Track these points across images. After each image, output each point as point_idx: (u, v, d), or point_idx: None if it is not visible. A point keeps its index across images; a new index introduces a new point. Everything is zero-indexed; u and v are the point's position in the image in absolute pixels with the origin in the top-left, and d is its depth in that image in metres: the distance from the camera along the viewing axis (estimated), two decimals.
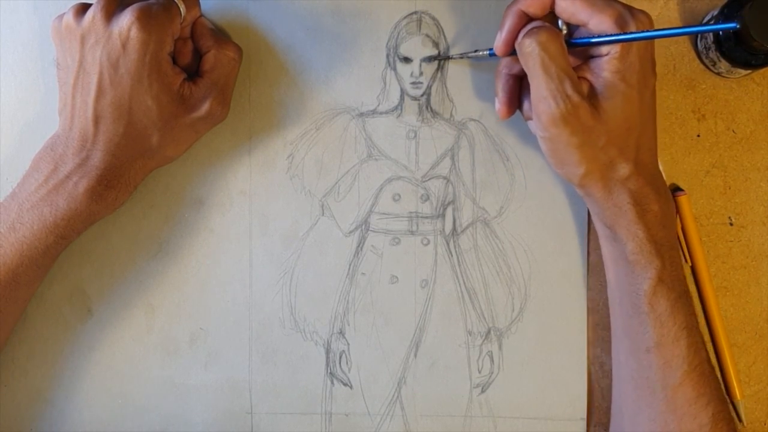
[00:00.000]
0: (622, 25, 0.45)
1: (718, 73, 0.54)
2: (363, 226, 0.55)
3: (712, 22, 0.52)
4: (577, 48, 0.47)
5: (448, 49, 0.55)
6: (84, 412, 0.55)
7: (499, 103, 0.51)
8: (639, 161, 0.47)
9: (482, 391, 0.55)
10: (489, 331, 0.55)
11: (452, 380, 0.55)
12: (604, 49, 0.46)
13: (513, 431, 0.54)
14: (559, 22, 0.48)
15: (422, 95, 0.55)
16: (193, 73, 0.51)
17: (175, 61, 0.50)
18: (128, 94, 0.47)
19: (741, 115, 0.55)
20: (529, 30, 0.46)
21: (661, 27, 0.54)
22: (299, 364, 0.55)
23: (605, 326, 0.54)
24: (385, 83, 0.55)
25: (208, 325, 0.55)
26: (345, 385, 0.55)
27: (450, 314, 0.55)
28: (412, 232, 0.55)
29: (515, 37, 0.47)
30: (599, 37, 0.45)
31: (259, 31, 0.55)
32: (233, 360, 0.55)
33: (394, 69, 0.55)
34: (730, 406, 0.52)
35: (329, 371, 0.55)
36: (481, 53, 0.52)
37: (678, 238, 0.52)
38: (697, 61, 0.55)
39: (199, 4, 0.51)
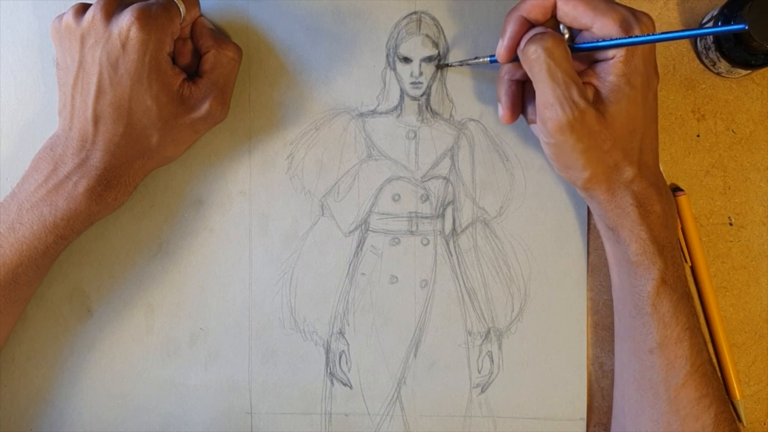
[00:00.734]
0: (626, 28, 0.45)
1: (718, 73, 0.54)
2: (363, 226, 0.55)
3: (711, 23, 0.52)
4: (581, 52, 0.47)
5: (447, 49, 0.55)
6: (84, 412, 0.55)
7: (503, 109, 0.51)
8: (642, 163, 0.47)
9: (482, 391, 0.55)
10: (489, 331, 0.55)
11: (452, 380, 0.55)
12: (609, 53, 0.45)
13: (513, 431, 0.54)
14: (561, 27, 0.48)
15: (422, 95, 0.55)
16: (193, 73, 0.51)
17: (174, 62, 0.50)
18: (128, 95, 0.47)
19: (741, 115, 0.55)
20: (533, 36, 0.46)
21: (660, 27, 0.54)
22: (299, 364, 0.55)
23: (605, 326, 0.54)
24: (384, 83, 0.55)
25: (208, 326, 0.55)
26: (345, 385, 0.55)
27: (450, 314, 0.55)
28: (411, 232, 0.55)
29: (517, 44, 0.47)
30: (605, 41, 0.45)
31: (259, 31, 0.55)
32: (233, 360, 0.55)
33: (394, 69, 0.55)
34: (731, 406, 0.52)
35: (329, 371, 0.55)
36: (481, 60, 0.52)
37: (678, 238, 0.52)
38: (697, 61, 0.55)
39: (198, 4, 0.51)
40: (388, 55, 0.55)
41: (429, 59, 0.55)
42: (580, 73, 0.47)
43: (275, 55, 0.55)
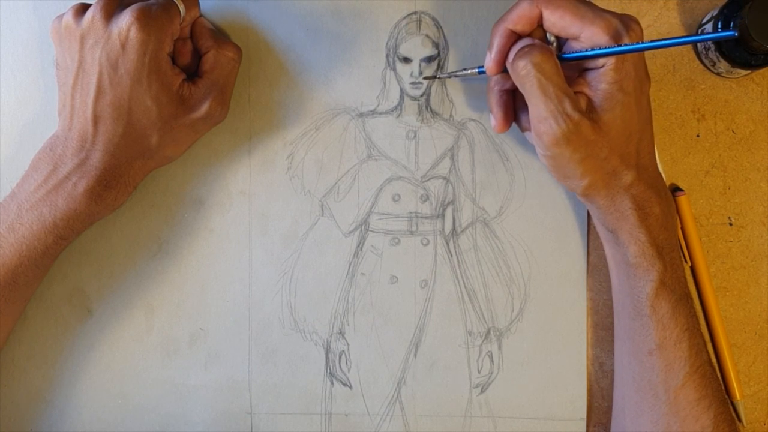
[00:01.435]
0: (615, 36, 0.44)
1: (718, 74, 0.54)
2: (363, 227, 0.55)
3: (711, 23, 0.52)
4: (570, 62, 0.46)
5: (447, 49, 0.55)
6: (84, 412, 0.55)
7: (495, 119, 0.50)
8: (640, 166, 0.47)
9: (482, 391, 0.55)
10: (489, 332, 0.55)
11: (452, 380, 0.55)
12: (599, 61, 0.45)
13: (513, 431, 0.54)
14: (548, 36, 0.47)
15: (422, 95, 0.55)
16: (193, 73, 0.51)
17: (174, 62, 0.50)
18: (127, 95, 0.47)
19: (741, 115, 0.55)
20: (521, 50, 0.45)
21: (660, 27, 0.54)
22: (299, 365, 0.55)
23: (605, 326, 0.54)
24: (384, 83, 0.55)
25: (208, 326, 0.55)
26: (345, 385, 0.55)
27: (450, 314, 0.55)
28: (411, 233, 0.55)
29: (505, 57, 0.47)
30: (594, 50, 0.44)
31: (258, 31, 0.55)
32: (233, 360, 0.55)
33: (394, 69, 0.55)
34: (730, 407, 0.52)
35: (329, 371, 0.55)
36: (470, 71, 0.51)
37: (678, 238, 0.52)
38: (697, 61, 0.55)
39: (198, 5, 0.51)
40: (388, 55, 0.55)
41: (429, 59, 0.55)
42: (571, 82, 0.46)
43: (275, 55, 0.55)
